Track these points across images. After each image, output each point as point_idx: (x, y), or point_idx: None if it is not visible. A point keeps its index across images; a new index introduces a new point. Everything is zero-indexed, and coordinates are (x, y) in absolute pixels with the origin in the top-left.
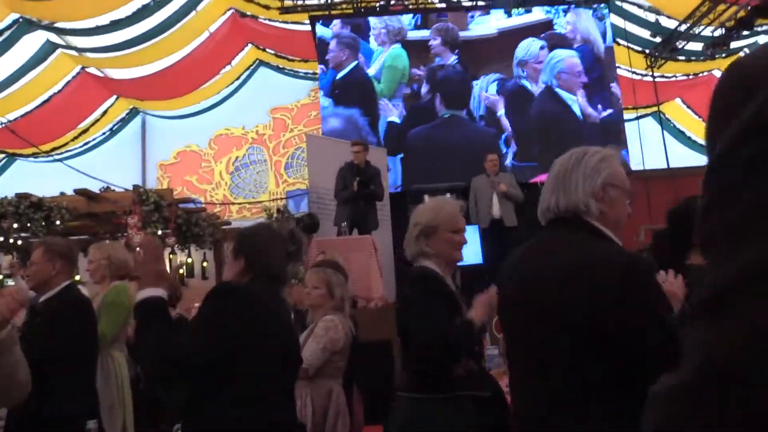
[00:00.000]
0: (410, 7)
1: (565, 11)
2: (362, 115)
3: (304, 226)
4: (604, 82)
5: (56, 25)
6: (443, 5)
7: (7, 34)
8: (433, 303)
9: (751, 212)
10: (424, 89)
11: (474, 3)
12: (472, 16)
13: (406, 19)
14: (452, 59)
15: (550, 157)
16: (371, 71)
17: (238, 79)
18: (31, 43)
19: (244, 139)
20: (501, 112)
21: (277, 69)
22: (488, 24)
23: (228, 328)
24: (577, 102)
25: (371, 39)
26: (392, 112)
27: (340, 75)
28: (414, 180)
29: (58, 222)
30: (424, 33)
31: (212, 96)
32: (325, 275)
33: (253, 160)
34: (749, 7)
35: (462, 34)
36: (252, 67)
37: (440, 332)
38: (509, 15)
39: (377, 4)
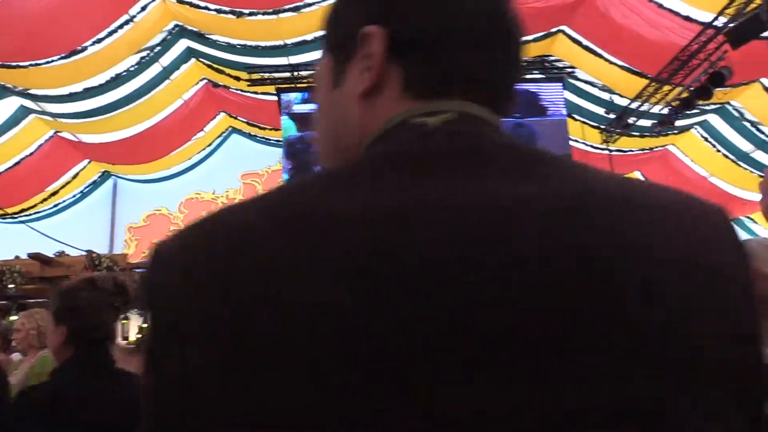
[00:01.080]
0: None
1: None
2: None
3: None
4: None
5: (30, 91)
6: None
7: None
8: None
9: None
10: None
11: None
12: None
13: (293, 94)
14: None
15: None
16: None
17: (210, 145)
18: (4, 108)
19: (215, 204)
20: None
21: (249, 136)
22: None
23: None
24: None
25: None
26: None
27: None
28: None
29: (11, 285)
30: (311, 107)
31: (184, 161)
32: None
33: None
34: (691, 89)
35: None
36: (224, 134)
37: None
38: None
39: None
